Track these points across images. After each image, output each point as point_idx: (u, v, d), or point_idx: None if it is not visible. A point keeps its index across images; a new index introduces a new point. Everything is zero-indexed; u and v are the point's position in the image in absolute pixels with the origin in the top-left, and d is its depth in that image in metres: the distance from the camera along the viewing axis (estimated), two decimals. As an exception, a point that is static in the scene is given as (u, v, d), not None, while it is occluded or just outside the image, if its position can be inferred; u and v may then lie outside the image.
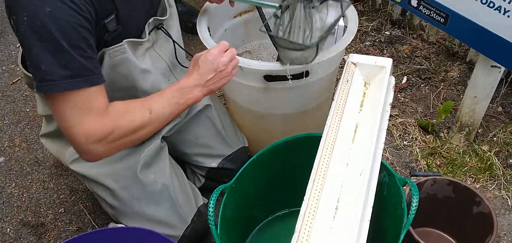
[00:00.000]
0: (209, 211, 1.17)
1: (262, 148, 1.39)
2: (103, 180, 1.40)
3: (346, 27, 1.53)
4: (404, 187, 1.25)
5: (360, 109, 1.31)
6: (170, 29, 1.43)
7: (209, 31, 1.57)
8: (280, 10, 1.34)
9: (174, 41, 1.44)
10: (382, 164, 1.25)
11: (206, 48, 1.44)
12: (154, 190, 1.42)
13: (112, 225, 1.53)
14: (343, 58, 2.13)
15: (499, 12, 1.42)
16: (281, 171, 1.48)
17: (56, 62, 1.00)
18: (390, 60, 1.36)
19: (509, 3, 1.39)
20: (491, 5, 1.43)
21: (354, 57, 1.39)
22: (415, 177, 1.81)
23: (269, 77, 1.47)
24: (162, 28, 1.39)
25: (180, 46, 1.48)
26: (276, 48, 1.47)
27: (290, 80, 1.41)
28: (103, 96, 1.11)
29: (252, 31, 1.84)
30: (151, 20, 1.33)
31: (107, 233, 1.24)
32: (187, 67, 1.49)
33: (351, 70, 1.37)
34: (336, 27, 1.53)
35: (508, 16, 1.40)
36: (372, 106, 1.30)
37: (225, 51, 1.29)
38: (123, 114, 1.14)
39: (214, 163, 1.66)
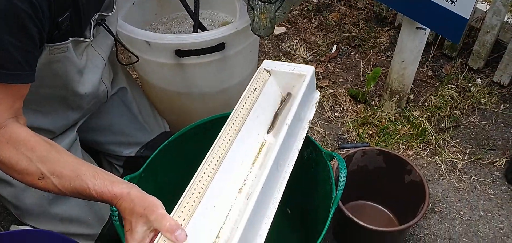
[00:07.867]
0: (113, 207, 1.01)
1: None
2: (5, 176, 1.21)
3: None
4: (332, 162, 1.16)
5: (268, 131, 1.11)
6: (112, 25, 1.28)
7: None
8: None
9: (116, 39, 1.31)
10: (308, 138, 1.15)
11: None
12: None
13: (14, 227, 1.37)
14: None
15: (421, -32, 1.35)
16: (201, 155, 1.35)
17: None
18: (312, 68, 1.13)
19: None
20: (413, -39, 1.36)
21: (267, 64, 1.17)
22: (344, 150, 1.73)
23: (181, 52, 1.32)
24: (103, 25, 1.24)
25: (121, 43, 1.35)
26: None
27: None
28: (15, 99, 0.93)
29: (166, 4, 1.67)
30: (96, 15, 1.19)
31: (5, 238, 1.05)
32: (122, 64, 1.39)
33: (263, 79, 1.13)
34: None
35: (430, -28, 1.34)
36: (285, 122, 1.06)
37: None
38: (14, 149, 0.91)
39: (131, 152, 1.51)
